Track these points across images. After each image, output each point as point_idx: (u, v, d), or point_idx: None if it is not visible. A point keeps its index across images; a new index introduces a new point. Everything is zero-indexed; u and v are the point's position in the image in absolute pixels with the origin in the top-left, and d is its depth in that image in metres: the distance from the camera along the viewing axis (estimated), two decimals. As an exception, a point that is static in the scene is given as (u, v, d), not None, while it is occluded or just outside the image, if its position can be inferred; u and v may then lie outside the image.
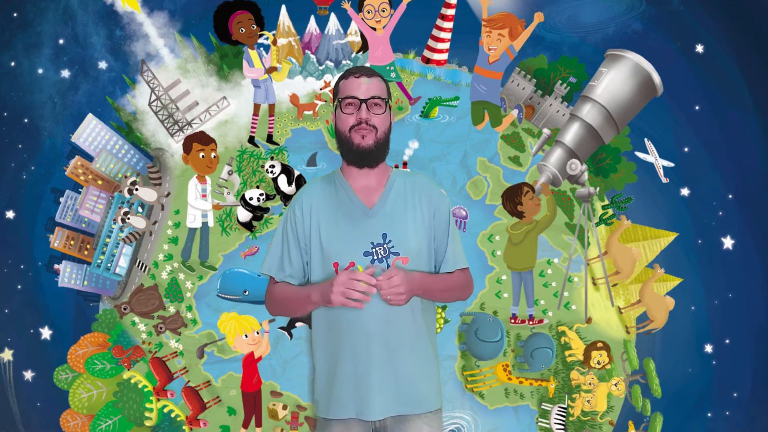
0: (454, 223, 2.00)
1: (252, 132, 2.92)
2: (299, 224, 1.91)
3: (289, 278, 1.93)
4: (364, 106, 1.83)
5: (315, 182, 2.00)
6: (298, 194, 1.98)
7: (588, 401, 2.81)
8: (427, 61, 2.97)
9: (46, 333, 2.91)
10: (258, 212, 2.86)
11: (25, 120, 2.88)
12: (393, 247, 1.84)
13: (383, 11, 2.83)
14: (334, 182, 1.95)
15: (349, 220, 1.87)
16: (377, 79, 1.88)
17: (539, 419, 2.88)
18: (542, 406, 2.87)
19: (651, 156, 2.88)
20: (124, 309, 2.84)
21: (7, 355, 2.91)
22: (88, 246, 2.92)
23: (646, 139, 2.88)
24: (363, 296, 1.72)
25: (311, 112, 2.94)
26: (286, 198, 2.88)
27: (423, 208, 1.92)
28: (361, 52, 2.95)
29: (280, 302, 1.95)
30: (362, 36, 2.92)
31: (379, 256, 1.83)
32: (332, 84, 2.93)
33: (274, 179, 2.84)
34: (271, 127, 2.93)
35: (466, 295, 2.07)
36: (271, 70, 2.86)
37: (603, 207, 2.93)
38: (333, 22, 2.91)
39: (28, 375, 2.92)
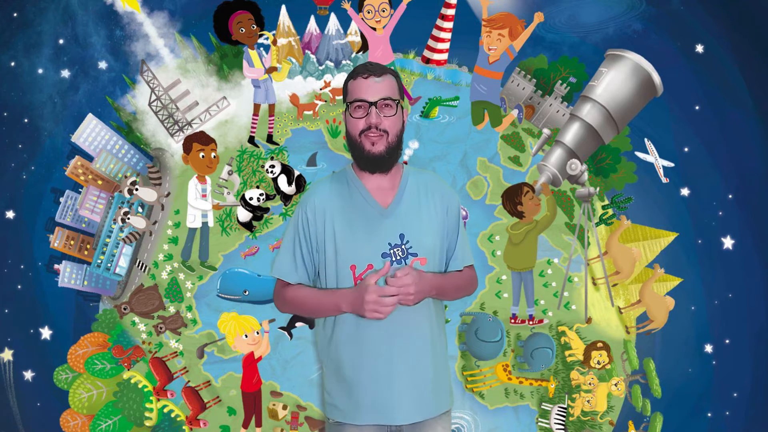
0: (461, 220, 1.99)
1: (252, 132, 2.92)
2: (311, 226, 1.86)
3: (303, 280, 1.91)
4: (373, 109, 1.79)
5: (325, 182, 1.95)
6: (309, 194, 1.93)
7: (588, 401, 2.81)
8: (427, 61, 2.97)
9: (46, 333, 2.91)
10: (258, 212, 2.86)
11: (25, 120, 2.88)
12: (411, 247, 1.80)
13: (383, 11, 2.83)
14: (347, 181, 1.90)
15: (365, 220, 1.83)
16: (388, 78, 1.83)
17: (539, 419, 2.88)
18: (542, 406, 2.87)
19: (651, 156, 2.88)
20: (124, 309, 2.84)
21: (7, 355, 2.91)
22: (88, 246, 2.92)
23: (646, 139, 2.88)
24: (392, 309, 1.73)
25: (311, 112, 2.94)
26: (286, 198, 2.88)
27: (437, 206, 1.90)
28: (361, 52, 2.95)
29: (298, 305, 1.91)
30: (362, 36, 2.91)
31: (398, 258, 1.80)
32: (333, 84, 2.93)
33: (274, 179, 2.84)
34: (271, 127, 2.93)
35: (472, 291, 2.08)
36: (271, 70, 2.86)
37: (603, 207, 2.93)
38: (333, 22, 2.91)
39: (28, 375, 2.92)
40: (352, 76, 1.85)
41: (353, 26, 2.93)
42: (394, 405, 1.79)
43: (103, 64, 2.87)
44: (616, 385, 2.83)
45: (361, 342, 1.81)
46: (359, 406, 1.82)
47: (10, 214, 2.91)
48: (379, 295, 1.70)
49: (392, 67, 2.90)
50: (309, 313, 1.94)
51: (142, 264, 2.88)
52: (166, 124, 2.89)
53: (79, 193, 2.87)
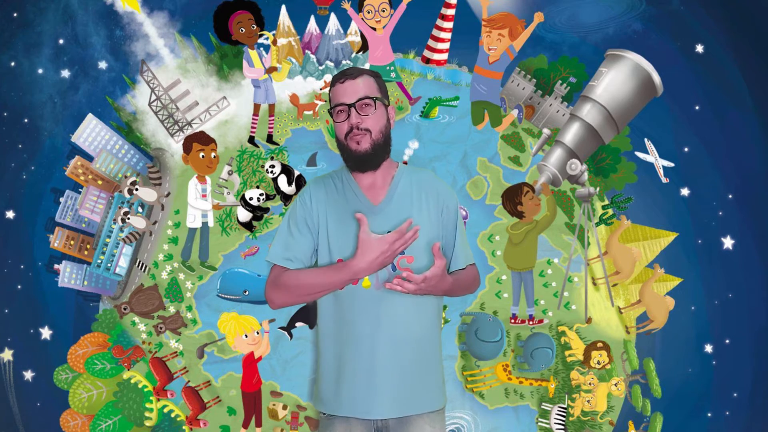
0: (461, 218, 2.00)
1: (252, 132, 2.92)
2: (308, 213, 1.89)
3: (296, 262, 1.88)
4: (353, 110, 1.82)
5: (320, 179, 1.99)
6: (305, 189, 1.97)
7: (588, 401, 2.81)
8: (427, 61, 2.97)
9: (46, 333, 2.91)
10: (258, 212, 2.86)
11: (25, 120, 2.88)
12: None
13: (383, 11, 2.83)
14: (341, 179, 1.95)
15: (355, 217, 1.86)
16: (364, 78, 1.85)
17: (539, 419, 2.88)
18: (542, 406, 2.87)
19: (651, 156, 2.88)
20: (124, 309, 2.84)
21: (7, 355, 2.91)
22: (88, 246, 2.92)
23: (646, 139, 2.88)
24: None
25: (311, 112, 2.94)
26: (286, 198, 2.88)
27: (430, 205, 1.91)
28: (361, 52, 2.95)
29: (299, 286, 1.84)
30: (362, 36, 2.92)
31: None
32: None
33: (274, 179, 2.84)
34: (271, 127, 2.93)
35: (475, 289, 2.10)
36: (271, 70, 2.86)
37: (603, 207, 2.93)
38: (333, 22, 2.91)
39: (28, 375, 2.92)
40: (331, 84, 1.88)
41: (353, 26, 2.93)
42: (372, 400, 1.81)
43: (103, 64, 2.87)
44: (616, 385, 2.83)
45: (345, 336, 1.84)
46: (344, 398, 1.85)
47: (10, 214, 2.91)
48: (395, 239, 1.72)
49: (391, 67, 2.91)
50: (316, 293, 1.85)
51: (142, 264, 2.88)
52: (166, 124, 2.89)
53: (79, 193, 2.87)
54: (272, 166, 2.82)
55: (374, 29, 2.86)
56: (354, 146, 1.83)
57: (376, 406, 1.82)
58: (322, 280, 1.81)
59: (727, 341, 2.87)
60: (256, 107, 2.90)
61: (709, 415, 2.88)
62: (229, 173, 2.88)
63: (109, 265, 2.84)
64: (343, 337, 1.85)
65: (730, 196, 2.87)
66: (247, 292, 2.84)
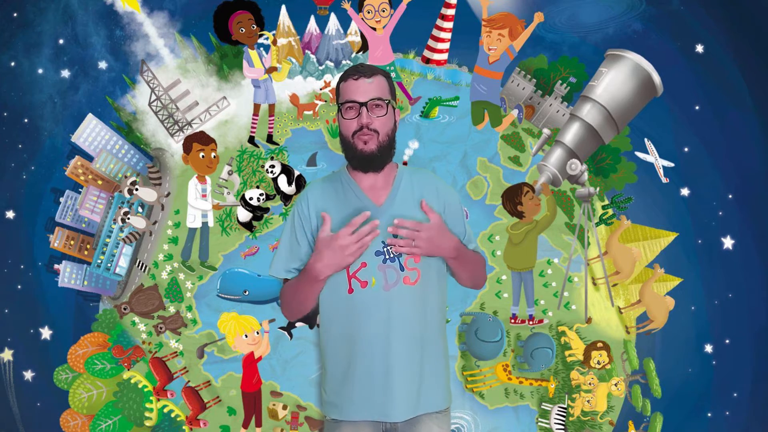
0: (464, 215, 2.00)
1: (252, 132, 2.92)
2: (306, 222, 1.89)
3: (296, 273, 1.91)
4: (364, 109, 1.80)
5: (319, 182, 1.98)
6: (303, 194, 1.95)
7: (588, 401, 2.81)
8: (427, 61, 2.97)
9: (46, 333, 2.91)
10: (258, 212, 2.86)
11: (25, 120, 2.88)
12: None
13: (383, 11, 2.83)
14: (341, 181, 1.93)
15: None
16: (378, 78, 1.84)
17: (539, 419, 2.88)
18: (542, 406, 2.87)
19: (651, 156, 2.88)
20: (124, 309, 2.84)
21: (7, 355, 2.91)
22: (88, 246, 2.92)
23: (646, 139, 2.88)
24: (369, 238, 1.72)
25: (311, 112, 2.94)
26: (286, 198, 2.88)
27: (432, 203, 1.90)
28: (361, 52, 2.95)
29: (290, 297, 1.90)
30: (362, 36, 2.92)
31: (391, 256, 1.82)
32: (333, 84, 2.93)
33: (274, 179, 2.84)
34: (271, 127, 2.93)
35: (484, 275, 2.09)
36: (271, 70, 2.86)
37: (603, 207, 2.93)
38: (333, 22, 2.91)
39: (28, 375, 2.92)
40: (343, 78, 1.87)
41: (353, 26, 2.93)
42: (389, 402, 1.80)
43: (103, 64, 2.87)
44: (616, 385, 2.83)
45: (356, 338, 1.83)
46: (354, 401, 1.84)
47: (10, 214, 2.91)
48: (348, 234, 1.70)
49: (391, 67, 2.91)
50: (299, 301, 1.89)
51: (142, 264, 2.88)
52: (166, 124, 2.89)
53: (79, 193, 2.87)
54: (272, 166, 2.82)
55: (374, 29, 2.86)
56: (361, 146, 1.82)
57: (394, 407, 1.80)
58: (296, 287, 1.86)
59: (727, 341, 2.87)
60: (256, 107, 2.90)
61: (709, 415, 2.88)
62: (229, 173, 2.88)
63: (109, 265, 2.84)
64: (353, 339, 1.83)
65: (730, 196, 2.87)
66: (247, 292, 2.84)
